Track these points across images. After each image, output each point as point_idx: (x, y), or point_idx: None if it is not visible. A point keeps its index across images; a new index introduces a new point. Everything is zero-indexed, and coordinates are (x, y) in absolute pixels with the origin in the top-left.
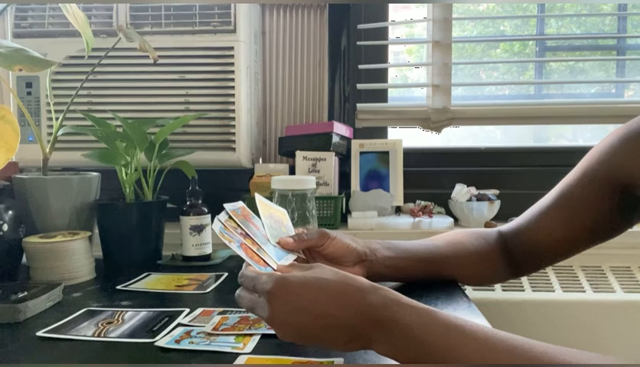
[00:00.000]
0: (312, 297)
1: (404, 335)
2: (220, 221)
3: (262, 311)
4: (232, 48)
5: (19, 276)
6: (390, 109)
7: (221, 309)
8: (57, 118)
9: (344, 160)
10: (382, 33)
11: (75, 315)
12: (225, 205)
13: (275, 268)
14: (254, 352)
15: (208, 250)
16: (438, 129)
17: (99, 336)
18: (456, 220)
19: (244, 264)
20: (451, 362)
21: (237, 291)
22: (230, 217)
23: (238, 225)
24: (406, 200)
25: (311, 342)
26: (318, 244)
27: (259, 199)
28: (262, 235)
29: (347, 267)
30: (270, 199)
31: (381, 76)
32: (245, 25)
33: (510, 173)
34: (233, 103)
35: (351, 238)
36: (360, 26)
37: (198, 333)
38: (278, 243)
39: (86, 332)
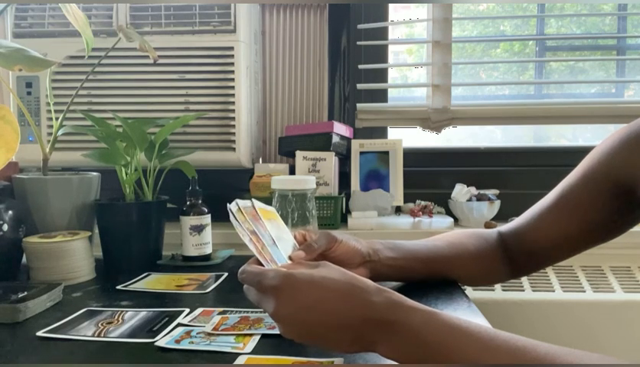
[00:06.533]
0: (318, 296)
1: (407, 337)
2: (232, 212)
3: (268, 306)
4: (232, 48)
5: (19, 276)
6: (390, 109)
7: (221, 309)
8: (57, 118)
9: (344, 160)
10: (382, 33)
11: (75, 315)
12: (237, 199)
13: (279, 266)
14: (254, 352)
15: (208, 250)
16: (438, 129)
17: (99, 336)
18: (456, 220)
19: (248, 262)
20: (454, 363)
21: (246, 285)
22: (239, 210)
23: (246, 219)
24: (406, 200)
25: (313, 341)
26: (327, 249)
27: (259, 205)
28: (268, 236)
29: (351, 268)
30: (270, 199)
31: (381, 76)
32: (245, 25)
33: (510, 173)
34: (233, 103)
35: (355, 239)
36: (360, 26)
37: (198, 333)
38: (290, 258)
39: (86, 332)
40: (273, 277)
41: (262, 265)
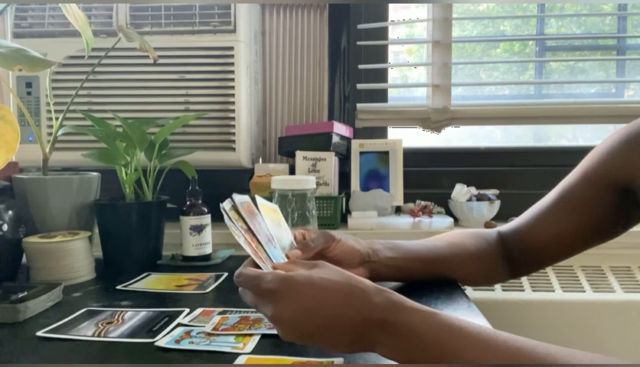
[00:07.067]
0: (318, 297)
1: (407, 337)
2: (225, 210)
3: (266, 309)
4: (232, 48)
5: (19, 276)
6: (390, 109)
7: (221, 309)
8: (57, 118)
9: (344, 160)
10: (382, 33)
11: (75, 315)
12: (234, 194)
13: (274, 265)
14: (254, 352)
15: (208, 250)
16: (438, 129)
17: (99, 336)
18: (456, 220)
19: (243, 264)
20: (454, 364)
21: (241, 288)
22: (234, 207)
23: (241, 217)
24: (406, 200)
25: (313, 343)
26: (325, 248)
27: (261, 202)
28: (264, 234)
29: (350, 268)
30: (270, 199)
31: (381, 76)
32: (245, 25)
33: (510, 173)
34: (233, 103)
35: (354, 239)
36: (360, 26)
37: (198, 333)
38: (286, 256)
39: (86, 332)
40: (271, 280)
41: (257, 266)
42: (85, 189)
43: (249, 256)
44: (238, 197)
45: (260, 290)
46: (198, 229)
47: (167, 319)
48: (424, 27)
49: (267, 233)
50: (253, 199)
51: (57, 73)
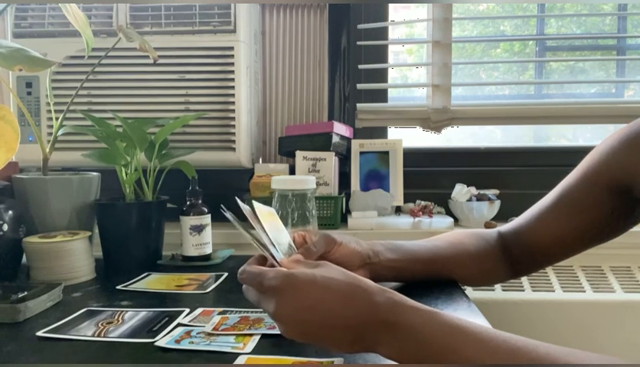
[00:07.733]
0: (320, 296)
1: (409, 337)
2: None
3: (268, 306)
4: (232, 48)
5: (19, 276)
6: (390, 109)
7: (221, 309)
8: (57, 118)
9: (344, 160)
10: (382, 33)
11: (75, 315)
12: (237, 198)
13: (279, 261)
14: (254, 352)
15: (208, 250)
16: (438, 129)
17: (99, 336)
18: (456, 220)
19: (247, 262)
20: (455, 363)
21: (245, 285)
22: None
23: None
24: (406, 200)
25: (314, 341)
26: (327, 251)
27: (258, 206)
28: (266, 238)
29: (350, 269)
30: (270, 199)
31: (381, 76)
32: (245, 25)
33: (510, 173)
34: (233, 103)
35: (355, 240)
36: (360, 26)
37: (198, 333)
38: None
39: (86, 332)
40: (274, 277)
41: (262, 264)
42: (85, 189)
43: (250, 256)
44: (241, 204)
45: (263, 287)
46: (198, 229)
47: (167, 319)
48: (424, 27)
49: (268, 237)
50: (250, 205)
51: (57, 73)
